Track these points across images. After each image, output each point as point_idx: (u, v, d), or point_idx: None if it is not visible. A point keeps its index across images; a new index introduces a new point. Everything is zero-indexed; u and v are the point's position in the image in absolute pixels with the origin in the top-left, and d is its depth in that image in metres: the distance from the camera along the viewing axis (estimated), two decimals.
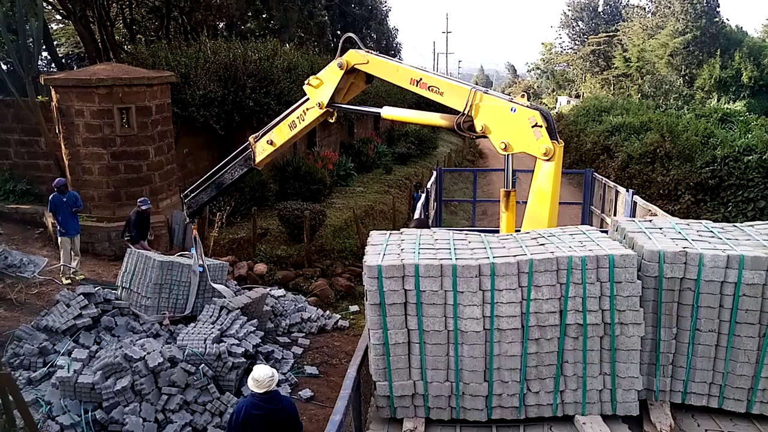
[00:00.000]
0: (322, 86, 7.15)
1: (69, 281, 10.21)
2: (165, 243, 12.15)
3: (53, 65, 20.63)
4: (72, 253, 10.53)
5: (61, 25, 23.96)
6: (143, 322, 8.56)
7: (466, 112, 6.31)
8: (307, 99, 7.33)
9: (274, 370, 5.20)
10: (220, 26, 24.02)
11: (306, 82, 7.28)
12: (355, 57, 6.96)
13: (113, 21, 20.41)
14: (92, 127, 11.80)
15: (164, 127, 12.74)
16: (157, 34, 22.50)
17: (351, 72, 7.08)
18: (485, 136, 6.45)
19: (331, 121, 7.53)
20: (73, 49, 24.98)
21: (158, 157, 12.56)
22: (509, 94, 6.95)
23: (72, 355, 7.35)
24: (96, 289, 8.75)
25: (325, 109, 7.20)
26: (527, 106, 5.98)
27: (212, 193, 8.49)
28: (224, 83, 15.15)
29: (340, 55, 7.03)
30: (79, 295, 8.41)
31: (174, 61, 14.75)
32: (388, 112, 7.40)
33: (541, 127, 5.89)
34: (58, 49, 22.32)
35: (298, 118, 7.52)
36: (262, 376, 4.97)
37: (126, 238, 10.41)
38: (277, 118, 7.75)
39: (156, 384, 7.17)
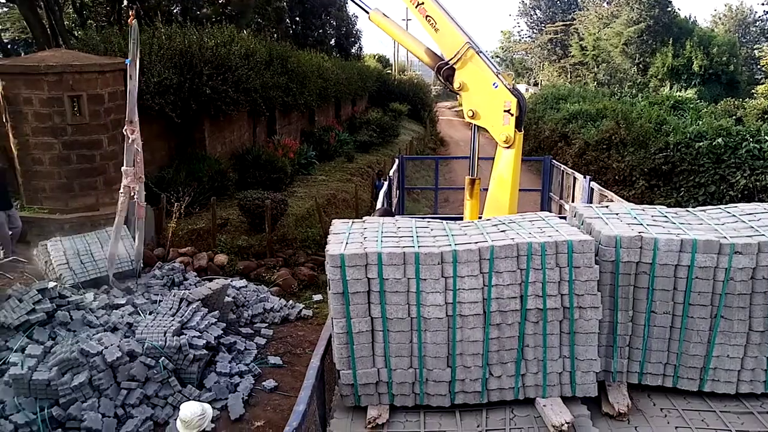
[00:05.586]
0: None
1: None
2: None
3: None
4: None
5: (5, 9, 22.98)
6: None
7: (452, 62, 6.15)
8: None
9: (206, 406, 4.44)
10: (175, 11, 23.41)
11: None
12: None
13: (62, 5, 19.67)
14: (41, 115, 11.36)
15: (118, 115, 12.33)
16: (108, 19, 21.78)
17: None
18: (458, 93, 6.32)
19: None
20: (20, 34, 23.99)
21: (112, 147, 12.18)
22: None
23: (26, 352, 7.11)
24: (52, 284, 8.48)
25: None
26: (510, 89, 5.93)
27: None
28: (180, 70, 14.78)
29: None
30: (32, 290, 8.14)
31: (127, 47, 14.29)
32: (378, 16, 6.90)
33: (512, 115, 5.89)
34: (3, 35, 21.42)
35: None
36: (189, 416, 4.19)
37: None
38: None
39: (115, 379, 7.01)
